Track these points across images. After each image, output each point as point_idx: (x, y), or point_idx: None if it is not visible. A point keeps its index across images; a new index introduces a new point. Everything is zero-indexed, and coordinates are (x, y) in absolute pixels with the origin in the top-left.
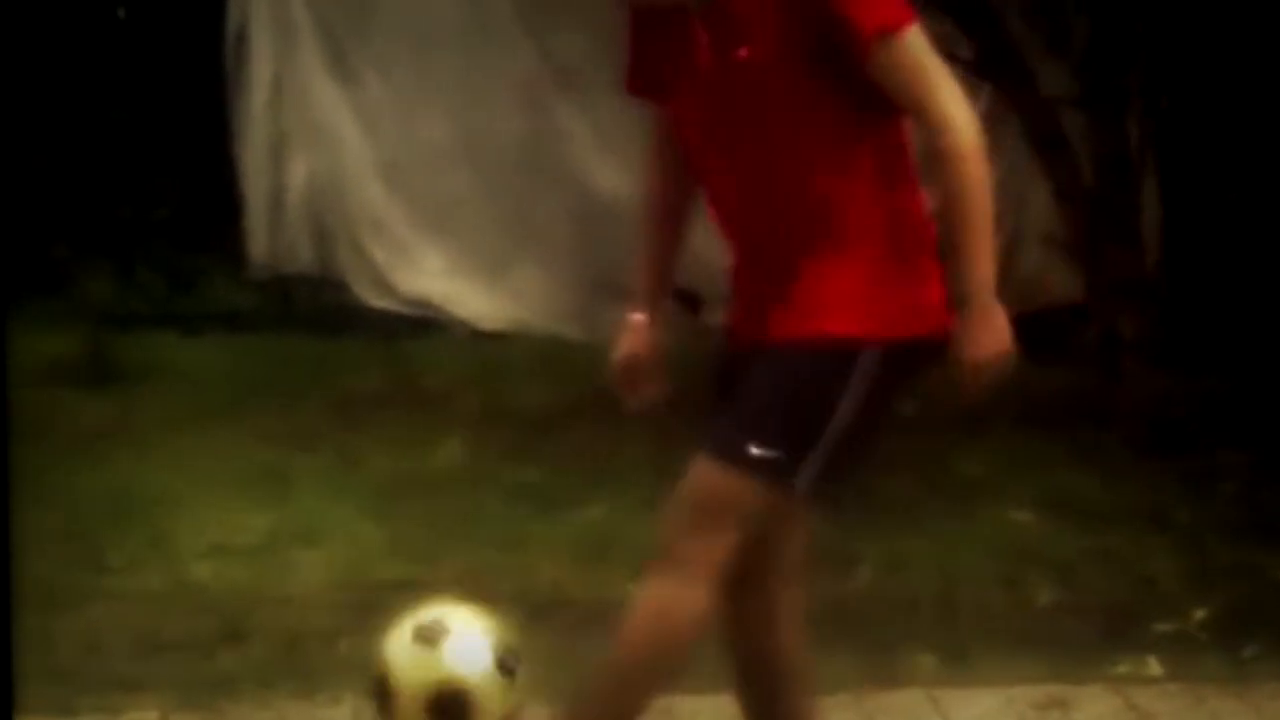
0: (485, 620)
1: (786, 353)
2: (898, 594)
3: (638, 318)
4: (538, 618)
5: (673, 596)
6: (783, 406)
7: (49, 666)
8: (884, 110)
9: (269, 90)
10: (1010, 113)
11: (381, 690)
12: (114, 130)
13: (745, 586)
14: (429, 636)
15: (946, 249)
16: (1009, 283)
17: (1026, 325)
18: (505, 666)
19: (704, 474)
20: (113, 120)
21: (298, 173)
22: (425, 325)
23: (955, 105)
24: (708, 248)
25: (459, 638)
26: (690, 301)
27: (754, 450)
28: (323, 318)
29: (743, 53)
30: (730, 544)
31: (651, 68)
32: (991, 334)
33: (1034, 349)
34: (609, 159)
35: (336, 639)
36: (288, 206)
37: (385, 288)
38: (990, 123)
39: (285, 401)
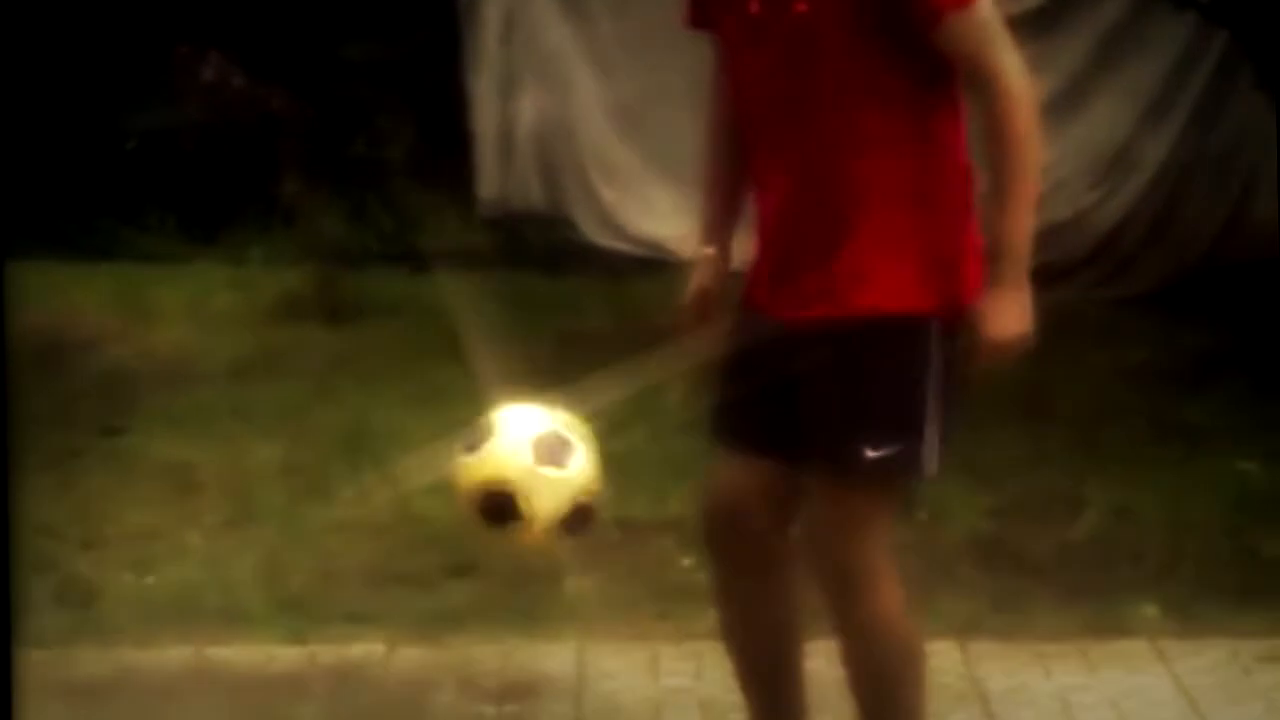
0: (539, 415)
1: (854, 340)
2: (1122, 543)
3: (708, 251)
4: None
5: (880, 610)
6: (877, 401)
7: (281, 596)
8: (940, 75)
9: (501, 28)
10: (1244, 60)
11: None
12: (347, 68)
13: (774, 563)
14: (472, 443)
15: (986, 222)
16: (1242, 230)
17: (1257, 274)
18: (551, 456)
19: (835, 495)
20: (345, 58)
21: (528, 111)
22: (653, 265)
23: (1013, 70)
24: None
25: (499, 438)
26: None
27: (869, 454)
28: (551, 256)
29: (800, 6)
30: (882, 544)
31: (709, 4)
32: (1016, 314)
33: (1266, 299)
34: None
35: (561, 577)
36: (518, 145)
37: (613, 227)
38: (1224, 70)
39: (513, 340)
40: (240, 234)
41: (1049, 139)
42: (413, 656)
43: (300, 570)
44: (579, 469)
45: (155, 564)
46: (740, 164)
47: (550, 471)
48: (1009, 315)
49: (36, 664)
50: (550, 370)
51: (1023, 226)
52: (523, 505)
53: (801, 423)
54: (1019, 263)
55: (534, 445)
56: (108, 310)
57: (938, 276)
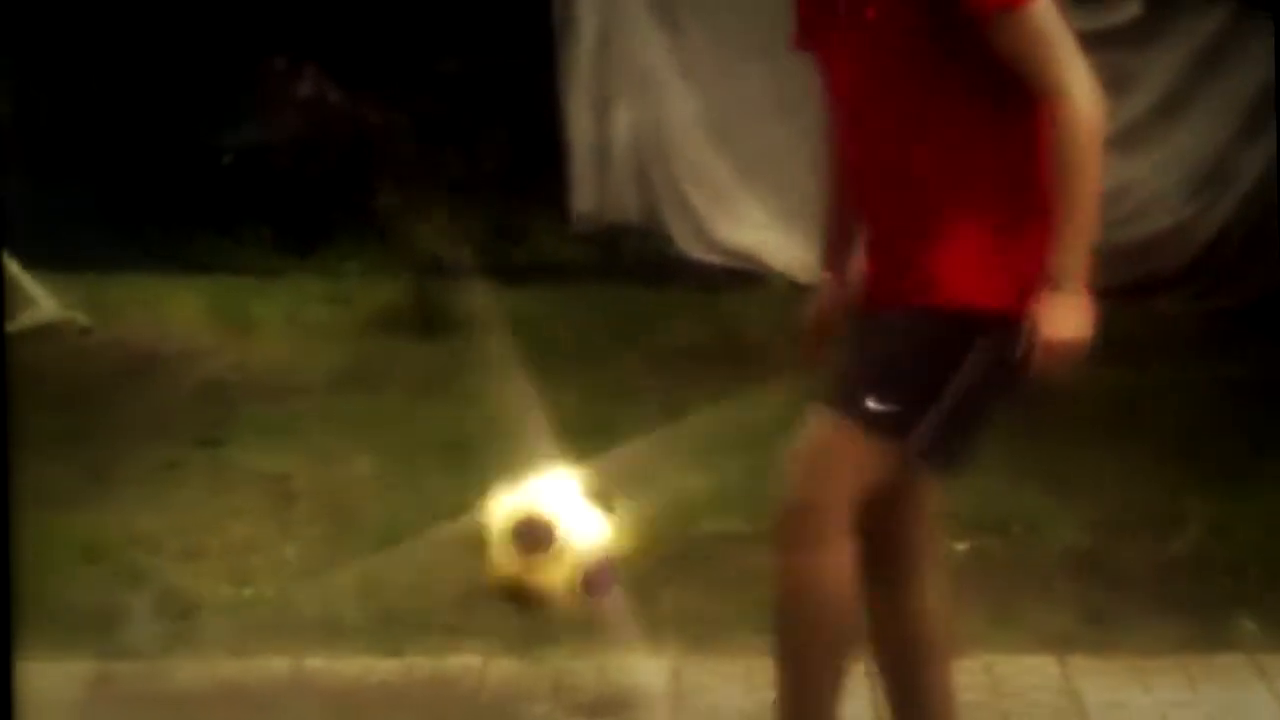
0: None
1: (909, 318)
2: (1221, 558)
3: (826, 276)
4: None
5: (812, 566)
6: (901, 367)
7: (378, 609)
8: (1008, 79)
9: (595, 41)
10: None
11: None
12: (442, 82)
13: (880, 563)
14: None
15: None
16: None
17: None
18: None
19: (822, 426)
20: (441, 72)
21: (622, 123)
22: (746, 277)
23: (1075, 78)
24: None
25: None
26: None
27: (870, 404)
28: (646, 269)
29: (869, 12)
30: (848, 494)
31: (813, 25)
32: (1075, 318)
33: None
34: None
35: (659, 591)
36: (613, 157)
37: (707, 239)
38: None
39: (608, 352)
40: (336, 247)
41: (1147, 151)
42: (508, 669)
43: (397, 583)
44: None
45: (253, 576)
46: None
47: (590, 513)
48: (1070, 319)
49: (134, 676)
50: (645, 383)
51: (1082, 227)
52: (559, 536)
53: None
54: (1078, 266)
55: (514, 535)
56: (204, 323)
57: (1001, 278)
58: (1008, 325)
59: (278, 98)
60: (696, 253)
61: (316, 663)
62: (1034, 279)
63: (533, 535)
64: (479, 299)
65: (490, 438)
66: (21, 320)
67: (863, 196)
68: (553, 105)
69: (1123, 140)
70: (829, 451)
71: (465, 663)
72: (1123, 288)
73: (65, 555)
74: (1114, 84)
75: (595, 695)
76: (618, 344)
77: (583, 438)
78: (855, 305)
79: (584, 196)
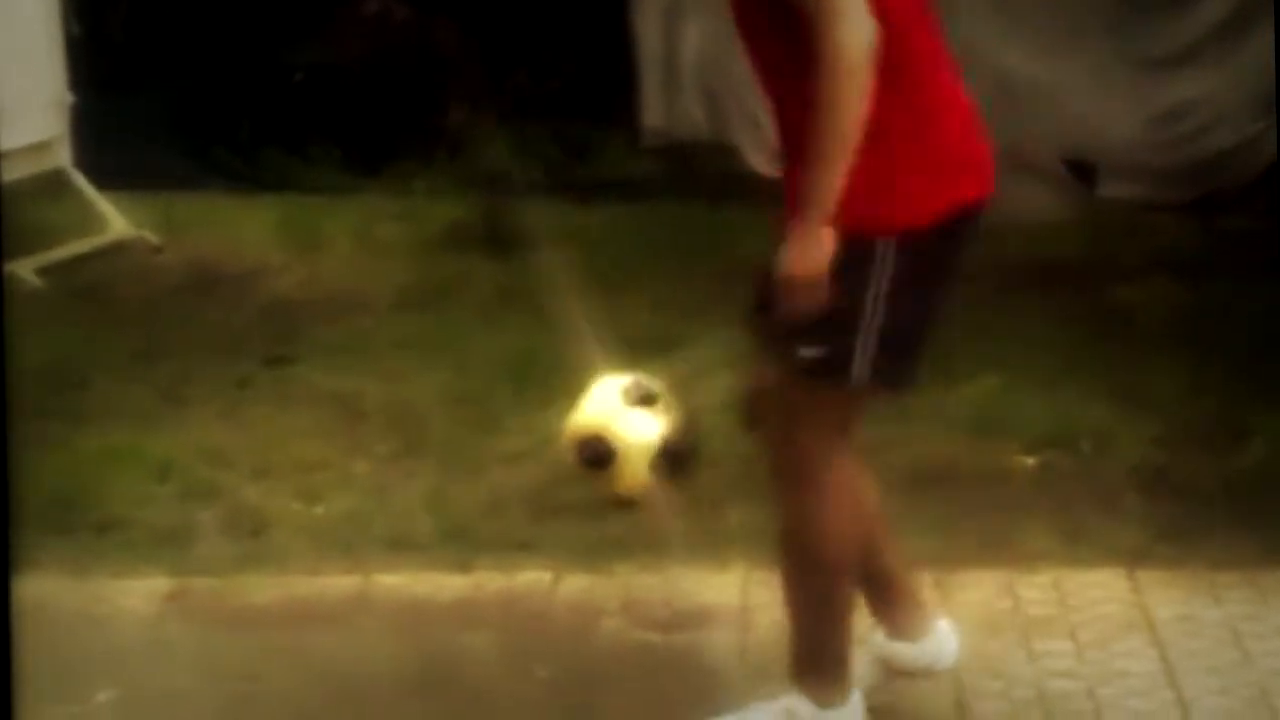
0: (627, 375)
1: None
2: None
3: None
4: (926, 489)
5: (804, 513)
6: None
7: (448, 525)
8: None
9: None
10: None
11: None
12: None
13: None
14: (575, 401)
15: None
16: None
17: None
18: (638, 399)
19: (779, 389)
20: None
21: (691, 39)
22: None
23: (843, 11)
24: (1099, 117)
25: (596, 392)
26: (1083, 171)
27: (804, 352)
28: (715, 185)
29: None
30: (823, 438)
31: None
32: (811, 253)
33: None
34: (1016, 39)
35: (726, 507)
36: (682, 73)
37: (776, 155)
38: None
39: (676, 269)
40: (404, 165)
41: (1211, 68)
42: (579, 585)
43: (467, 499)
44: (664, 413)
45: (323, 493)
46: None
47: (637, 412)
48: (806, 253)
49: (205, 592)
50: (714, 298)
51: (830, 165)
52: (617, 445)
53: None
54: (822, 202)
55: (622, 392)
56: (273, 241)
57: (881, 199)
58: (899, 241)
59: (346, 16)
60: (765, 168)
61: (387, 579)
62: (911, 197)
63: (596, 455)
64: (547, 216)
65: (558, 354)
66: (94, 239)
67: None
68: (622, 20)
69: (1187, 57)
70: (789, 409)
71: (535, 578)
72: (1190, 204)
73: (138, 473)
74: (1178, 1)
75: (667, 610)
76: (687, 260)
77: (651, 353)
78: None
79: (653, 112)
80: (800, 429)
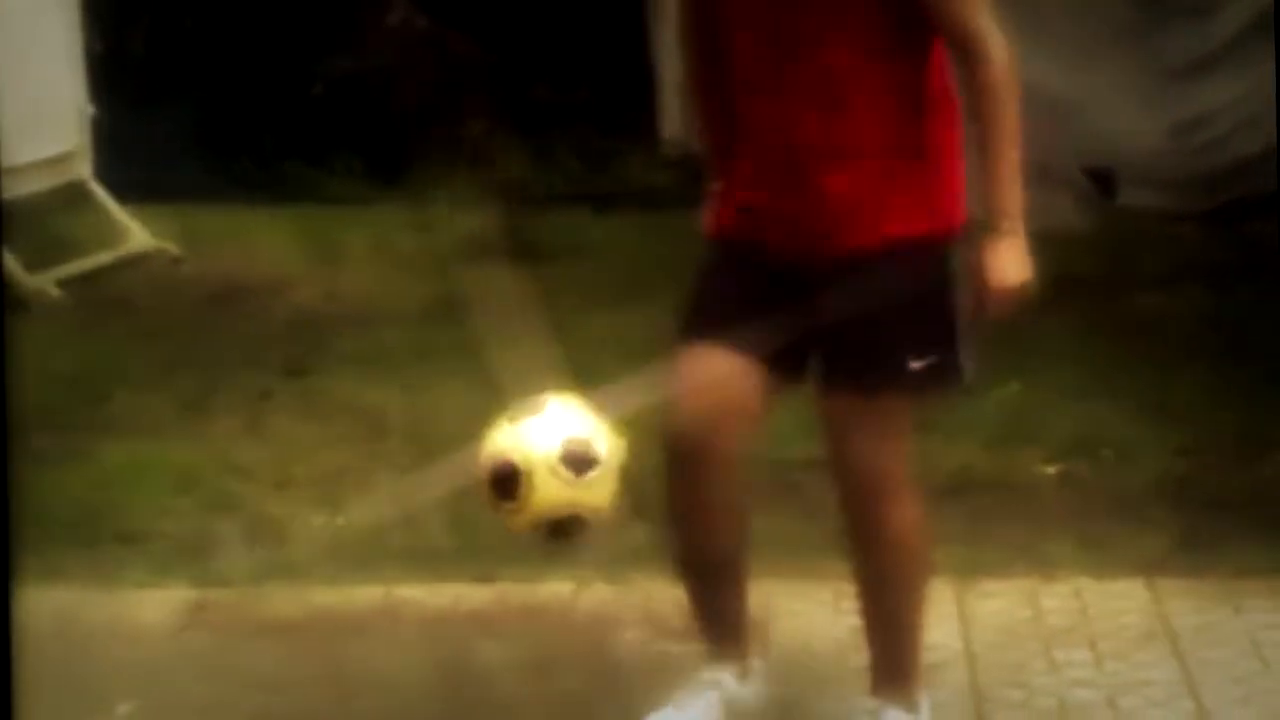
0: (585, 418)
1: (882, 264)
2: None
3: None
4: (947, 499)
5: (911, 519)
6: (916, 314)
7: (469, 536)
8: (923, 30)
9: None
10: None
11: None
12: (532, 11)
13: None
14: (516, 414)
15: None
16: None
17: None
18: (572, 460)
19: (873, 408)
20: (531, 1)
21: None
22: None
23: (991, 34)
24: (1119, 126)
25: (540, 420)
26: (1104, 181)
27: (914, 364)
28: None
29: None
30: (904, 445)
31: None
32: (1015, 261)
33: None
34: (1036, 50)
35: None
36: None
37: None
38: None
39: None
40: (425, 176)
41: (1235, 75)
42: (600, 595)
43: (488, 510)
44: (593, 485)
45: (345, 504)
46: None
47: (566, 474)
48: (1010, 263)
49: (227, 603)
50: None
51: (1009, 174)
52: (524, 491)
53: (829, 347)
54: (1012, 211)
55: (564, 444)
56: (294, 253)
57: (944, 205)
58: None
59: (367, 27)
60: None
61: (408, 590)
62: (954, 206)
63: (503, 483)
64: (568, 227)
65: (579, 365)
66: (115, 251)
67: (767, 136)
68: (642, 32)
69: (1206, 66)
70: (892, 428)
71: (556, 589)
72: (1212, 213)
73: (160, 484)
74: (1202, 8)
75: (687, 621)
76: None
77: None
78: (747, 240)
79: (672, 123)
80: (888, 440)
